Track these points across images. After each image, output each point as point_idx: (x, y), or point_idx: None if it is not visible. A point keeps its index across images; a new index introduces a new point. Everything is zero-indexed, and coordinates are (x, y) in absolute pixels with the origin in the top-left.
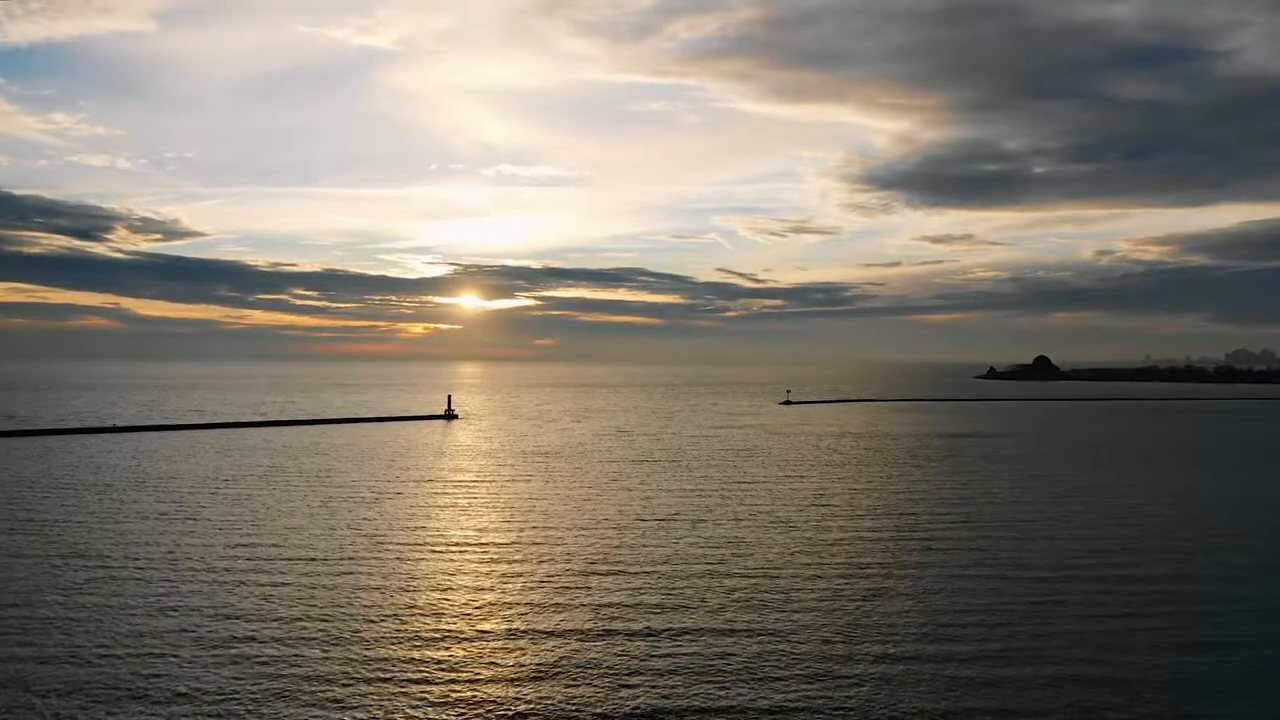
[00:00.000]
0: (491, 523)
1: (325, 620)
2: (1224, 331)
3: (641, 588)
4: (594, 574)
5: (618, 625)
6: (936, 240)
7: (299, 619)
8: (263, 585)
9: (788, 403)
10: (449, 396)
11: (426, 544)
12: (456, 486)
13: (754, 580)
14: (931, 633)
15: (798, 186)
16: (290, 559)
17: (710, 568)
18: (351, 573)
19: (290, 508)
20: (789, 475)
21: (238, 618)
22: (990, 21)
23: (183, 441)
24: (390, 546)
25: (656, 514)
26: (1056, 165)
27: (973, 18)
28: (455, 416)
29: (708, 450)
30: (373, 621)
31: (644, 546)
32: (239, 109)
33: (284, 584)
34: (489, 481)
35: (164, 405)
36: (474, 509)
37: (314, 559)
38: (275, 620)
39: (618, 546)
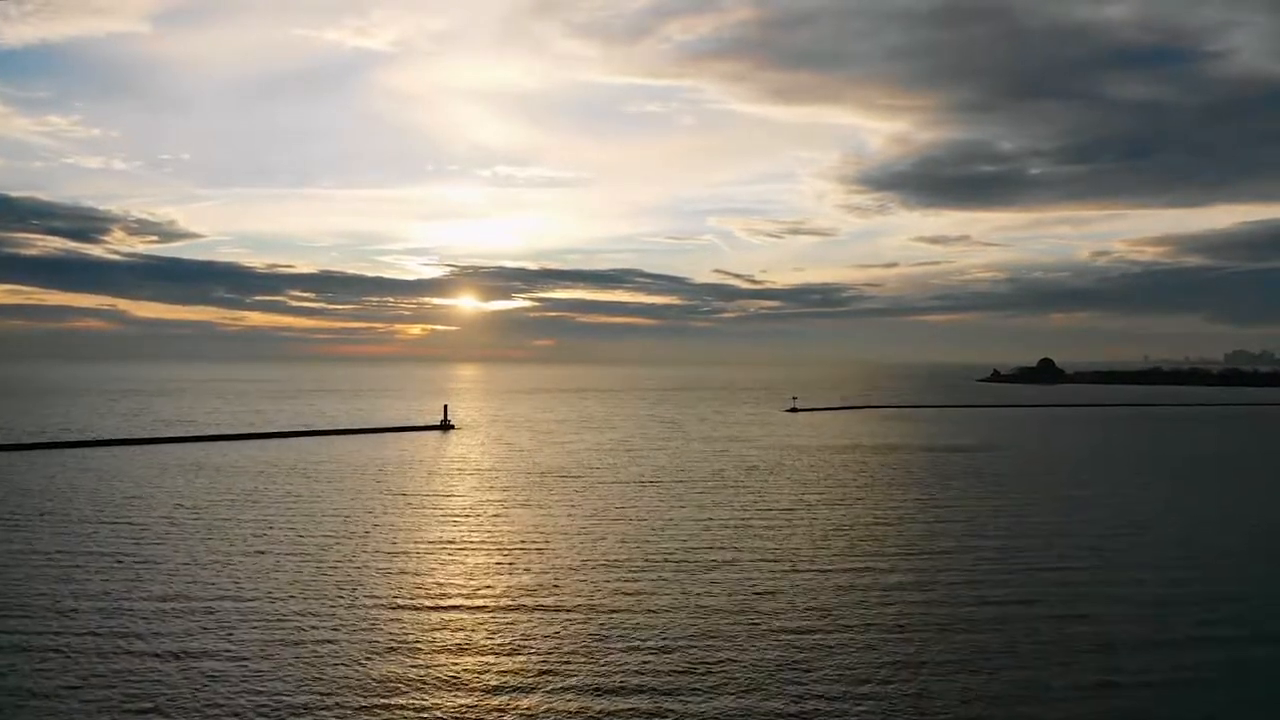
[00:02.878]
0: (482, 565)
1: (285, 693)
2: (1222, 332)
3: (654, 651)
4: (598, 635)
5: (625, 696)
6: (933, 241)
7: (256, 688)
8: (212, 648)
9: (794, 410)
10: (445, 406)
11: (407, 593)
12: (446, 518)
13: (785, 637)
14: (981, 696)
15: (794, 188)
16: (250, 615)
17: (732, 621)
18: (316, 630)
19: (259, 545)
20: (809, 502)
21: (173, 702)
22: (985, 23)
23: (159, 457)
24: (365, 599)
25: (668, 552)
26: (1052, 166)
27: (968, 19)
28: (452, 427)
29: (717, 468)
30: (340, 696)
31: (654, 596)
32: (235, 110)
33: (239, 655)
34: (482, 511)
35: (149, 414)
36: (464, 547)
37: (276, 615)
38: (224, 696)
39: (624, 596)
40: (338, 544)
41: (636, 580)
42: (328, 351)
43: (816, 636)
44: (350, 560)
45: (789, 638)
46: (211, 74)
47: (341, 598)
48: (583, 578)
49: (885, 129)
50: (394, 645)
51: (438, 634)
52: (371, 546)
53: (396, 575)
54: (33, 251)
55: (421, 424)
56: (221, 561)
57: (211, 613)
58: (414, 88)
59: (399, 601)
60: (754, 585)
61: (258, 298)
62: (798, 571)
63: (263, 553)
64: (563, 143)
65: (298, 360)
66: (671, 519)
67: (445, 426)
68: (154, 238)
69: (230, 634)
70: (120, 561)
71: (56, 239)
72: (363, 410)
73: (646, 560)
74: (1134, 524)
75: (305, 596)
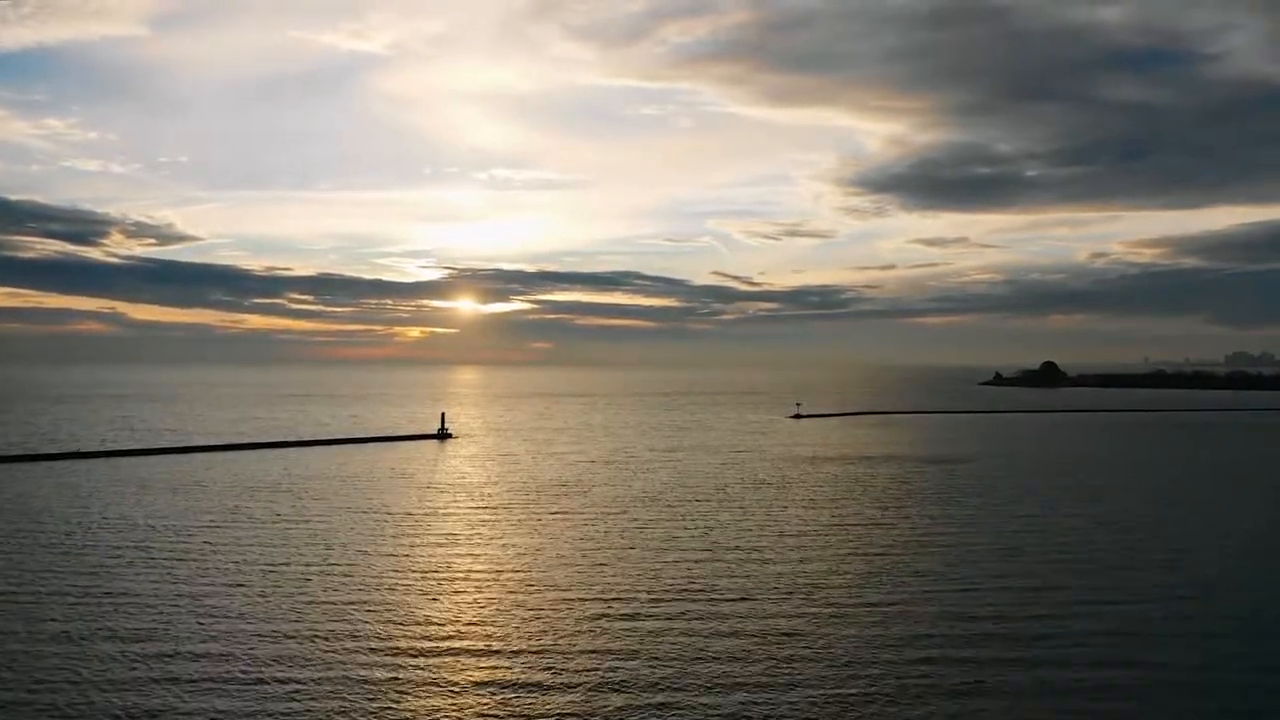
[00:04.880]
0: (475, 600)
1: None
2: (1221, 333)
3: (651, 688)
4: (594, 677)
5: None
6: (930, 243)
7: None
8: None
9: (798, 416)
10: (443, 414)
11: (393, 635)
12: (438, 545)
13: (796, 670)
14: None
15: (792, 190)
16: (218, 671)
17: (748, 669)
18: (291, 683)
19: (236, 577)
20: (823, 522)
21: None
22: (982, 25)
23: (141, 471)
24: (346, 643)
25: (674, 586)
26: (1049, 168)
27: (964, 21)
28: (449, 435)
29: (721, 483)
30: None
31: (657, 636)
32: (232, 113)
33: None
34: (477, 536)
35: (139, 422)
36: (455, 579)
37: (246, 678)
38: None
39: (624, 636)
40: (319, 577)
41: (638, 618)
42: (326, 354)
43: (821, 667)
44: (332, 596)
45: (799, 670)
46: (209, 77)
47: (318, 642)
48: (581, 614)
49: (882, 131)
50: (372, 696)
51: (424, 677)
52: (356, 579)
53: (383, 618)
54: (31, 254)
55: (418, 433)
56: (193, 597)
57: (172, 666)
58: (411, 90)
59: (382, 645)
60: (768, 622)
61: (256, 300)
62: (815, 605)
63: (240, 586)
64: (560, 145)
65: (296, 363)
66: (675, 542)
67: (442, 435)
68: (152, 240)
69: (193, 690)
70: (85, 597)
71: (55, 242)
72: (359, 417)
73: (649, 594)
74: (1169, 546)
75: (282, 639)
